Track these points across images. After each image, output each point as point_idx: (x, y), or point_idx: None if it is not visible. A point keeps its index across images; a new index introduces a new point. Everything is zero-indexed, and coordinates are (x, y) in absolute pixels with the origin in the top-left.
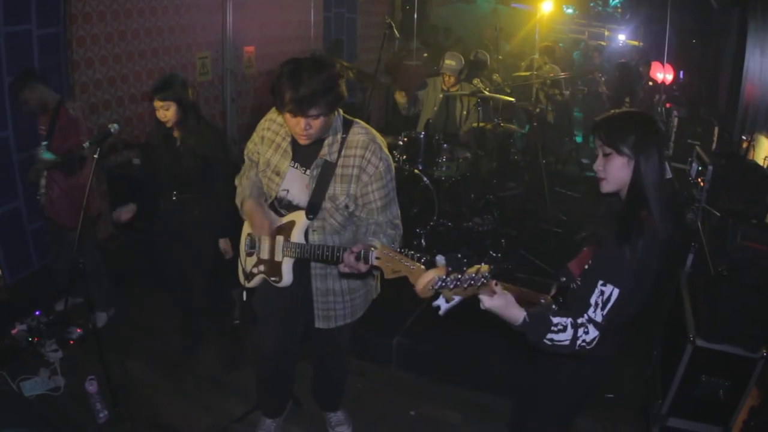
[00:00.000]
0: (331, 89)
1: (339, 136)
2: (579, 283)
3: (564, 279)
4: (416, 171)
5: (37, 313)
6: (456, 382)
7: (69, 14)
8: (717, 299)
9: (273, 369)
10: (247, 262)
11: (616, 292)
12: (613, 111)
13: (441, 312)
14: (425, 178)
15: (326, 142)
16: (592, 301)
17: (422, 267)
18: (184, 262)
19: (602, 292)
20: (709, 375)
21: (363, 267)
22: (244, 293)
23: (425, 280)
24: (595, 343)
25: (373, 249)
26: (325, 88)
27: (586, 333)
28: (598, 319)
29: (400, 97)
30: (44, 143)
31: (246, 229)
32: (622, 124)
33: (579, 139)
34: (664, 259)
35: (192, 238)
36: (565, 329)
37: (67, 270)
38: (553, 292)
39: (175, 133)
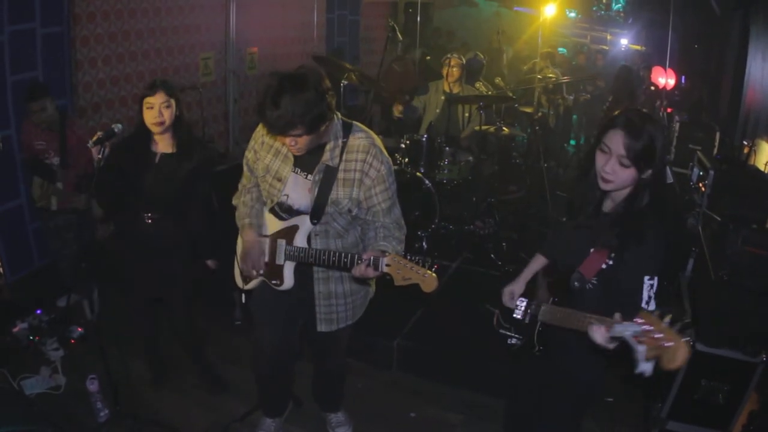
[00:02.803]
0: (309, 111)
1: (340, 141)
2: (596, 282)
3: (577, 283)
4: (418, 174)
5: (39, 311)
6: (456, 383)
7: (73, 13)
8: (717, 304)
9: (272, 368)
10: None
11: (656, 279)
12: (635, 116)
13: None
14: (427, 181)
15: (327, 147)
16: (645, 296)
17: (434, 275)
18: (158, 289)
19: (652, 286)
20: (708, 379)
21: (372, 273)
22: (243, 296)
23: (685, 354)
24: None
25: (385, 254)
26: (303, 111)
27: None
28: (653, 307)
29: (396, 111)
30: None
31: None
32: (646, 139)
33: (582, 141)
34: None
35: (166, 262)
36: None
37: (68, 268)
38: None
39: (159, 147)
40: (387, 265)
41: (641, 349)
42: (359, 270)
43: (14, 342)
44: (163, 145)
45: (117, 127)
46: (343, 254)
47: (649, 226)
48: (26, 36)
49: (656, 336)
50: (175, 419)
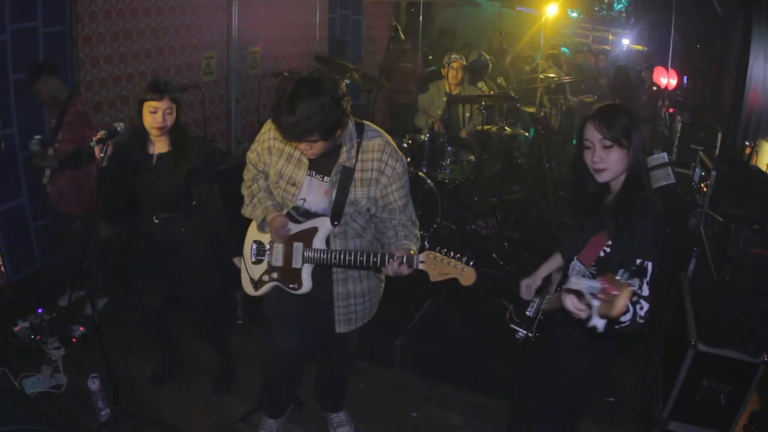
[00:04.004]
0: (325, 117)
1: (354, 142)
2: (595, 271)
3: (576, 271)
4: (420, 173)
5: (40, 310)
6: (458, 383)
7: (75, 12)
8: (719, 304)
9: (286, 374)
10: (253, 270)
11: (650, 265)
12: (602, 107)
13: (601, 329)
14: (429, 181)
15: (343, 149)
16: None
17: (472, 269)
18: (173, 289)
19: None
20: (710, 379)
21: (406, 270)
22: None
23: (626, 299)
24: (647, 315)
25: (413, 253)
26: (320, 117)
27: (641, 308)
28: (646, 293)
29: (437, 127)
30: (37, 137)
31: (251, 236)
32: (619, 118)
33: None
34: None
35: (178, 262)
36: (629, 310)
37: (70, 266)
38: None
39: (155, 148)
40: (422, 262)
41: (595, 304)
42: (392, 268)
43: (15, 341)
44: (160, 145)
45: (119, 126)
46: (372, 254)
47: (644, 211)
48: (28, 35)
49: (613, 293)
50: (176, 419)
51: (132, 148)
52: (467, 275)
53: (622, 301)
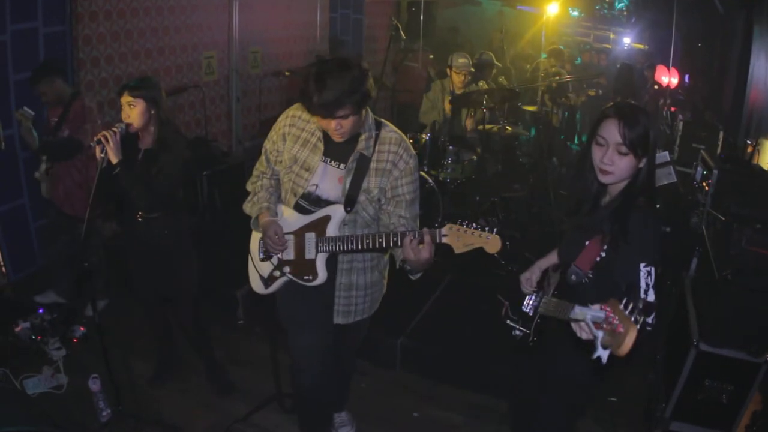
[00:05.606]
0: (356, 90)
1: (373, 133)
2: (591, 276)
3: (574, 277)
4: (421, 172)
5: (41, 310)
6: (459, 383)
7: (75, 12)
8: (721, 304)
9: (315, 376)
10: (262, 267)
11: (653, 269)
12: (626, 106)
13: (605, 361)
14: (430, 180)
15: (362, 137)
16: (643, 284)
17: (497, 236)
18: (162, 288)
19: (649, 273)
20: (712, 379)
21: (430, 248)
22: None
23: (632, 339)
24: (654, 321)
25: (435, 228)
26: (350, 89)
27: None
28: (652, 298)
29: (469, 126)
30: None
31: (257, 234)
32: (640, 121)
33: (584, 139)
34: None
35: (165, 261)
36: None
37: (65, 266)
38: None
39: (142, 142)
40: (444, 236)
41: (599, 335)
42: (413, 245)
43: (16, 341)
44: (146, 141)
45: (120, 127)
46: (392, 233)
47: (643, 216)
48: (28, 35)
49: (614, 322)
50: (177, 419)
51: (126, 143)
52: (492, 243)
53: (629, 340)
